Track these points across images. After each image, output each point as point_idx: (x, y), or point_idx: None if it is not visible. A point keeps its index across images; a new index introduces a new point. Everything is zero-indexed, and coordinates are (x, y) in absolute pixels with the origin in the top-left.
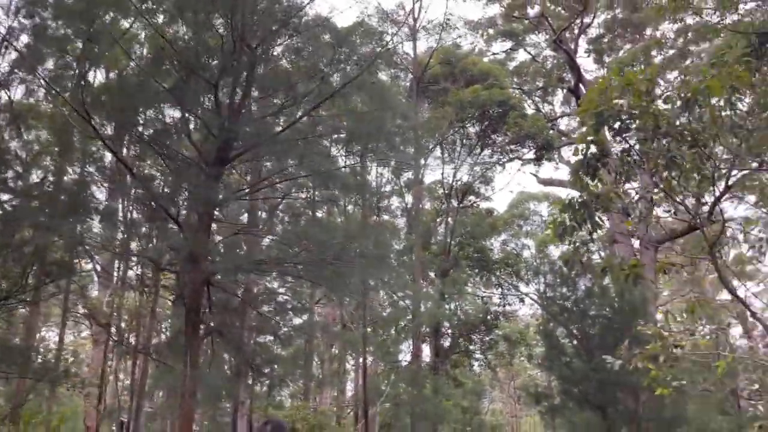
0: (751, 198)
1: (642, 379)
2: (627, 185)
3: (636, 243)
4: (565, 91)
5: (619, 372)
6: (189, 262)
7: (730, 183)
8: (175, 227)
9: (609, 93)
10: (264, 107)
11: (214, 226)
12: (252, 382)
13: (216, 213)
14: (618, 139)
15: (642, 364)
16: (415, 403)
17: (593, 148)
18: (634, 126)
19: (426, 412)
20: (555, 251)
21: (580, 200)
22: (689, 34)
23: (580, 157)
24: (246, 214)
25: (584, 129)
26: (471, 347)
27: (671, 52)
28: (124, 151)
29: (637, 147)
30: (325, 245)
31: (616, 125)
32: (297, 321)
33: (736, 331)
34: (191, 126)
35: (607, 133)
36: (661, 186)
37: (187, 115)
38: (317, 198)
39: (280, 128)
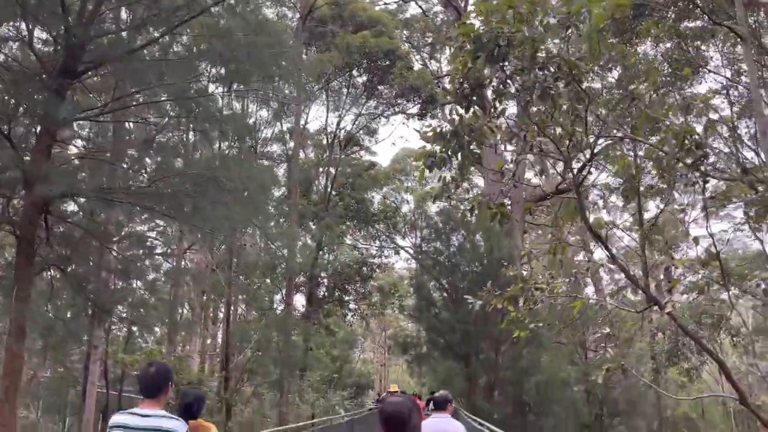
0: (612, 167)
1: (503, 332)
2: (501, 120)
3: (508, 202)
4: (452, 49)
5: (482, 323)
6: (22, 186)
7: (595, 150)
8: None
9: (488, 17)
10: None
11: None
12: (108, 325)
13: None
14: (495, 68)
15: (502, 305)
16: (283, 351)
17: (469, 77)
18: (512, 54)
19: (293, 359)
20: (433, 207)
21: (451, 130)
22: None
23: (456, 85)
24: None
25: (461, 56)
26: (345, 298)
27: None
28: None
29: (514, 78)
30: (186, 176)
31: (495, 52)
32: (163, 263)
33: (589, 290)
34: (35, 34)
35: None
36: (534, 121)
37: (29, 20)
38: (187, 131)
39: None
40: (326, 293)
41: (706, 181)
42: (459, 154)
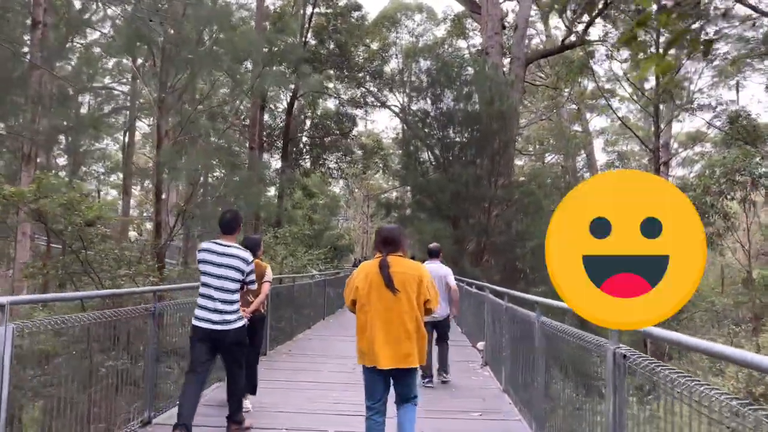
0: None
1: (496, 194)
2: None
3: (506, 60)
4: None
5: (473, 184)
6: None
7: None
8: None
9: None
10: None
11: None
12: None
13: None
14: None
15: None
16: (234, 192)
17: None
18: None
19: (247, 205)
20: (423, 63)
21: None
22: None
23: None
24: None
25: None
26: (324, 155)
27: None
28: None
29: None
30: None
31: None
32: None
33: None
34: None
35: None
36: None
37: None
38: None
39: None
40: (304, 146)
41: None
42: None
